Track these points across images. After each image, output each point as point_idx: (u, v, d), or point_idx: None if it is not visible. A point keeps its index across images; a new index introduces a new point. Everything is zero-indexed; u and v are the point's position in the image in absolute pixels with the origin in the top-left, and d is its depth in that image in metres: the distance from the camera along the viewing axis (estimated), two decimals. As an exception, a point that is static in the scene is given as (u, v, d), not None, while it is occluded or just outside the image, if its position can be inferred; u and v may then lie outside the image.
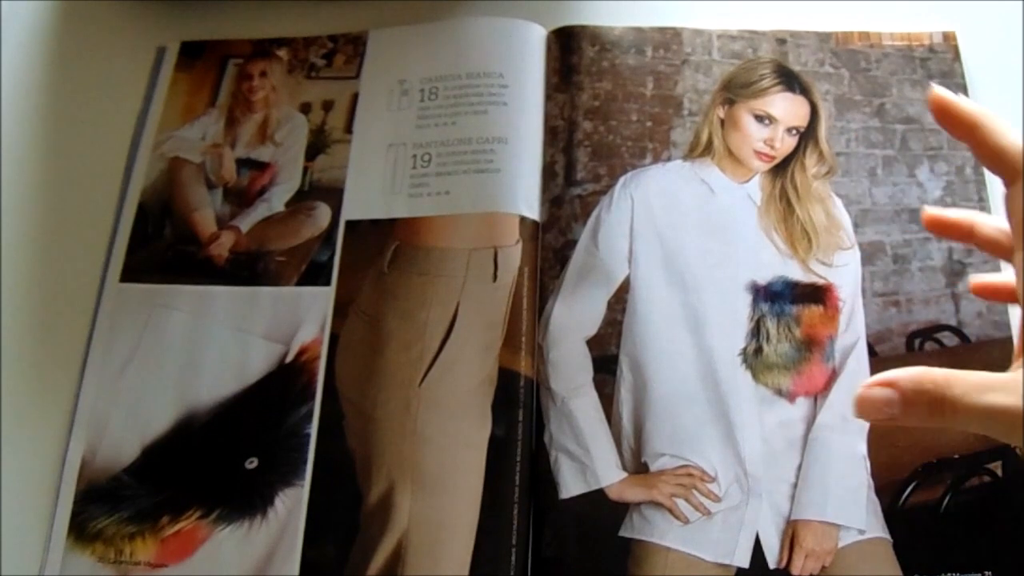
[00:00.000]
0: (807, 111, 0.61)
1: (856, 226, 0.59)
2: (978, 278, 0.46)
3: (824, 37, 0.65)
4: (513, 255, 0.58)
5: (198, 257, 0.61)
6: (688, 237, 0.58)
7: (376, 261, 0.59)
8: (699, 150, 0.61)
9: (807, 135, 0.61)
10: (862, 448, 0.54)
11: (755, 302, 0.57)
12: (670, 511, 0.52)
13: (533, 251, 0.59)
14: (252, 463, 0.55)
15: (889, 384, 0.37)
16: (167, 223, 0.63)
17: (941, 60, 0.64)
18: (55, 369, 0.58)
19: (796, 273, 0.57)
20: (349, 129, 0.64)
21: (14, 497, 0.55)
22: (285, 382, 0.57)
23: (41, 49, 0.70)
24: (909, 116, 0.62)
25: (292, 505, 0.54)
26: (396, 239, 0.59)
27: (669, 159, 0.61)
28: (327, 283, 0.59)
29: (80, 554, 0.54)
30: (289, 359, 0.57)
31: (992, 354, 0.56)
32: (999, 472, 0.53)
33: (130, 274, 0.61)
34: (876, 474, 0.53)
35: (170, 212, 0.63)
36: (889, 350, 0.56)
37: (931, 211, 0.44)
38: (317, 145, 0.64)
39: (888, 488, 0.53)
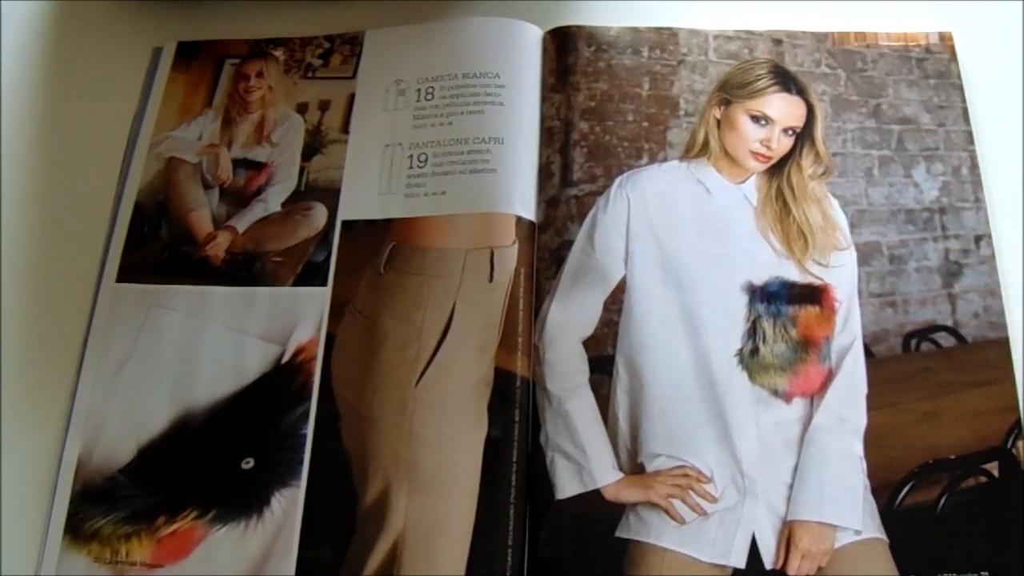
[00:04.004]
0: (803, 111, 0.61)
1: (852, 226, 0.59)
2: None
3: (820, 37, 0.65)
4: (509, 255, 0.58)
5: (194, 257, 0.61)
6: (684, 237, 0.58)
7: (372, 261, 0.59)
8: (695, 150, 0.61)
9: (803, 135, 0.61)
10: (858, 449, 0.54)
11: (751, 303, 0.57)
12: (666, 512, 0.52)
13: (529, 252, 0.59)
14: (248, 463, 0.55)
15: None
16: (163, 223, 0.63)
17: (938, 61, 0.64)
18: (51, 369, 0.58)
19: (792, 274, 0.57)
20: (345, 129, 0.64)
21: (10, 497, 0.55)
22: (281, 382, 0.57)
23: (37, 49, 0.70)
24: (905, 116, 0.62)
25: (288, 505, 0.54)
26: (392, 239, 0.59)
27: (665, 160, 0.61)
28: (323, 283, 0.59)
29: (76, 554, 0.54)
30: (285, 359, 0.57)
31: (988, 355, 0.56)
32: (995, 473, 0.53)
33: (126, 274, 0.61)
34: (872, 474, 0.53)
35: (166, 212, 0.63)
36: (885, 351, 0.56)
37: None
38: (313, 145, 0.64)
39: (884, 489, 0.53)
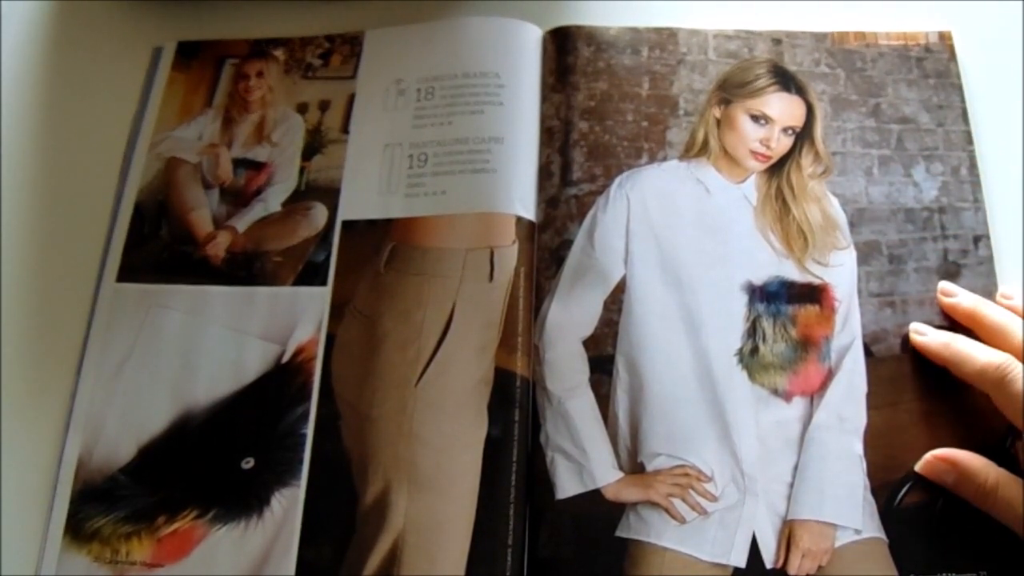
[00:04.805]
0: (803, 111, 0.61)
1: (852, 226, 0.59)
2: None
3: (820, 37, 0.65)
4: (509, 255, 0.58)
5: (194, 257, 0.61)
6: (684, 237, 0.58)
7: (372, 261, 0.59)
8: (695, 150, 0.61)
9: (803, 135, 0.61)
10: (858, 448, 0.54)
11: (751, 302, 0.57)
12: (666, 511, 0.52)
13: (529, 251, 0.59)
14: (248, 463, 0.55)
15: (951, 463, 0.51)
16: (163, 223, 0.63)
17: (937, 60, 0.64)
18: (51, 369, 0.58)
19: (792, 273, 0.57)
20: (345, 129, 0.64)
21: (11, 497, 0.55)
22: (281, 382, 0.57)
23: (37, 49, 0.70)
24: (905, 116, 0.62)
25: (288, 505, 0.54)
26: (392, 239, 0.60)
27: (665, 159, 0.61)
28: (323, 283, 0.59)
29: (76, 554, 0.54)
30: (285, 359, 0.57)
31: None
32: (994, 472, 0.53)
33: (126, 274, 0.61)
34: (872, 474, 0.53)
35: (166, 212, 0.63)
36: (885, 350, 0.56)
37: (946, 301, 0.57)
38: (313, 145, 0.64)
39: (884, 488, 0.53)
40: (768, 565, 0.51)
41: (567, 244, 0.59)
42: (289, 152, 0.64)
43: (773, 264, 0.58)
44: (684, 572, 0.51)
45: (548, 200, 0.60)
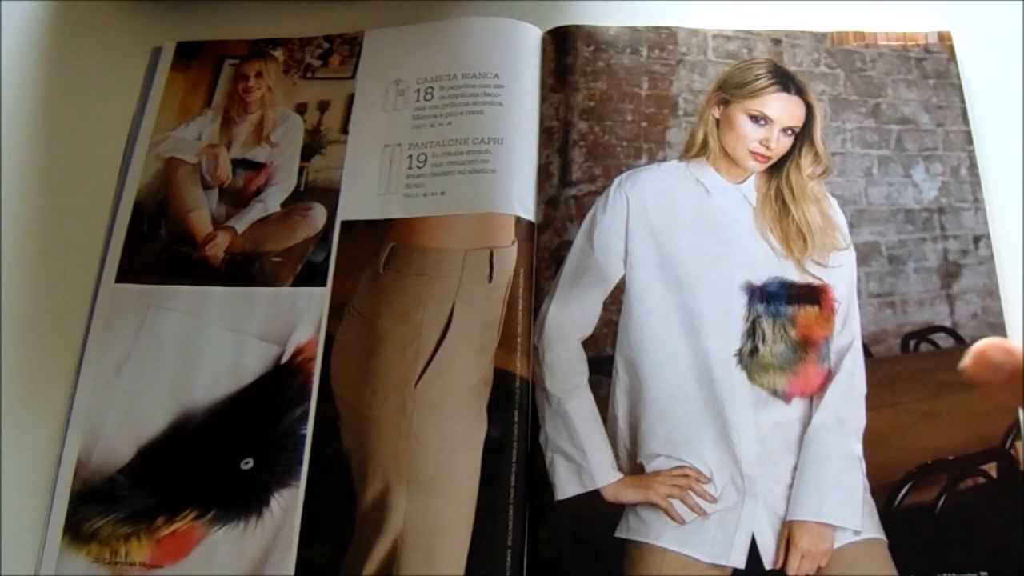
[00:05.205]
0: (802, 111, 0.61)
1: (851, 227, 0.59)
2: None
3: (819, 37, 0.65)
4: (509, 256, 0.58)
5: (194, 258, 0.61)
6: (684, 237, 0.58)
7: (372, 261, 0.59)
8: (694, 150, 0.61)
9: (802, 135, 0.61)
10: (858, 449, 0.54)
11: (751, 303, 0.57)
12: (666, 512, 0.52)
13: (529, 252, 0.59)
14: (248, 464, 0.55)
15: (1008, 352, 0.39)
16: (163, 224, 0.63)
17: (937, 60, 0.64)
18: (51, 370, 0.58)
19: (792, 274, 0.57)
20: (345, 129, 0.64)
21: (10, 498, 0.55)
22: (281, 383, 0.57)
23: (37, 49, 0.70)
24: (904, 116, 0.62)
25: (288, 506, 0.54)
26: (392, 239, 0.59)
27: (664, 159, 0.61)
28: (323, 283, 0.59)
29: (75, 555, 0.54)
30: (285, 360, 0.57)
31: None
32: (993, 473, 0.53)
33: (126, 274, 0.61)
34: (871, 475, 0.53)
35: (166, 213, 0.63)
36: (884, 351, 0.56)
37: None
38: (313, 145, 0.64)
39: (883, 489, 0.53)
40: (767, 566, 0.51)
41: (566, 245, 0.59)
42: (288, 152, 0.64)
43: (772, 264, 0.58)
44: (683, 573, 0.51)
45: (547, 200, 0.60)
